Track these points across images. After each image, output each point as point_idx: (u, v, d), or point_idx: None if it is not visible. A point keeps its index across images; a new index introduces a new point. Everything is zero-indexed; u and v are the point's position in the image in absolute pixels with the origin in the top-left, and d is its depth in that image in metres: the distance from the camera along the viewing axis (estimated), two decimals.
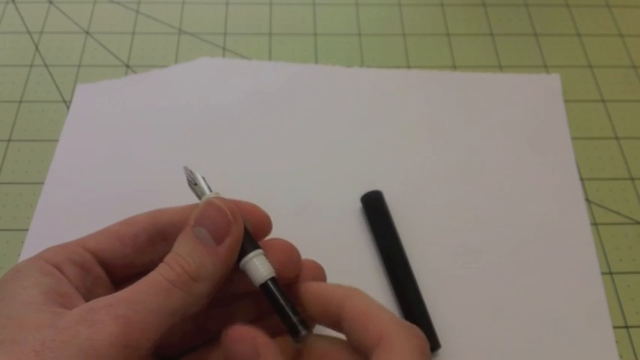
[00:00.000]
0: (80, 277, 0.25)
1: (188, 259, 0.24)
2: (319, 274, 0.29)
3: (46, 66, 0.47)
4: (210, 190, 0.27)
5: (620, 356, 0.35)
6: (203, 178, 0.28)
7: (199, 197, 0.27)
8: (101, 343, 0.21)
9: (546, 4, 0.52)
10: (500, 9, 0.52)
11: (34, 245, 0.38)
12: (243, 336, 0.23)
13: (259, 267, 0.26)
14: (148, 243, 0.27)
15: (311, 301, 0.26)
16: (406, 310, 0.35)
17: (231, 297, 0.29)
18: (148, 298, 0.23)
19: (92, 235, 0.27)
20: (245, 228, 0.26)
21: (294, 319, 0.25)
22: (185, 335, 0.28)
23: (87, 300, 0.24)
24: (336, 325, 0.25)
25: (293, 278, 0.28)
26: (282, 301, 0.26)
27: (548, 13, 0.52)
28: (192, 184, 0.28)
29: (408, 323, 0.24)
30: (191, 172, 0.28)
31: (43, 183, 0.40)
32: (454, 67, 0.48)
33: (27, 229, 0.38)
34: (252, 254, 0.26)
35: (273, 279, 0.26)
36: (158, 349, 0.28)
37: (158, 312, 0.23)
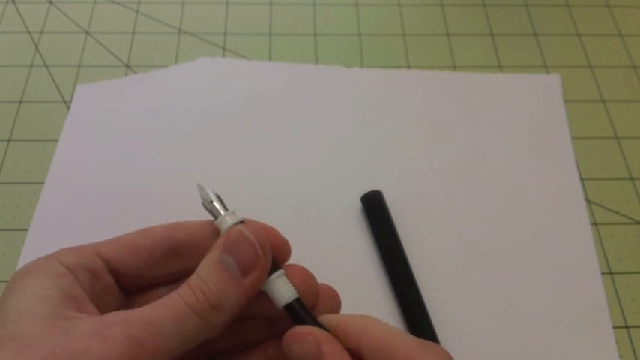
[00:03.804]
0: (90, 282, 0.25)
1: (211, 287, 0.24)
2: (334, 300, 0.28)
3: (46, 66, 0.47)
4: (226, 209, 0.26)
5: (620, 356, 0.35)
6: (218, 196, 0.27)
7: (215, 216, 0.26)
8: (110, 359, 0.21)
9: (546, 4, 0.52)
10: (500, 9, 0.52)
11: (34, 245, 0.38)
12: (306, 335, 0.23)
13: (282, 288, 0.25)
14: (161, 257, 0.27)
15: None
16: (406, 310, 0.35)
17: (244, 317, 0.28)
18: (164, 321, 0.23)
19: (106, 242, 0.27)
20: None
21: None
22: (193, 352, 0.28)
23: (95, 306, 0.24)
24: (356, 356, 0.24)
25: (311, 305, 0.27)
26: (310, 323, 0.25)
27: (548, 13, 0.52)
28: (208, 202, 0.27)
29: (429, 344, 0.23)
30: (206, 191, 0.27)
31: (43, 183, 0.40)
32: (454, 67, 0.48)
33: (27, 229, 0.38)
34: (274, 275, 0.25)
35: (298, 299, 0.25)
36: None
37: (172, 336, 0.23)
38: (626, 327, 0.36)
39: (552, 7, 0.52)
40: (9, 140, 0.43)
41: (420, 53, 0.49)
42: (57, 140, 0.42)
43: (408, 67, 0.48)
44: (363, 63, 0.48)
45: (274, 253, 0.26)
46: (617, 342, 0.36)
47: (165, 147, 0.42)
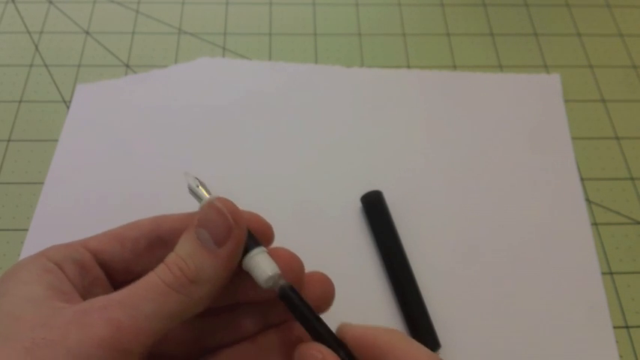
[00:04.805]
0: (79, 275, 0.25)
1: (188, 262, 0.24)
2: (327, 287, 0.28)
3: (46, 66, 0.47)
4: (210, 194, 0.27)
5: (620, 356, 0.35)
6: (203, 183, 0.27)
7: (199, 201, 0.27)
8: (90, 345, 0.21)
9: (546, 4, 0.52)
10: (500, 9, 0.52)
11: (34, 245, 0.38)
12: (313, 353, 0.24)
13: (262, 264, 0.25)
14: (147, 248, 0.27)
15: (352, 346, 0.25)
16: (406, 310, 0.35)
17: (234, 306, 0.28)
18: (142, 302, 0.23)
19: (95, 236, 0.27)
20: (248, 230, 0.26)
21: (321, 329, 0.24)
22: (186, 346, 0.28)
23: (84, 299, 0.24)
24: None
25: (297, 287, 0.27)
26: (303, 309, 0.25)
27: (548, 13, 0.52)
28: (194, 187, 0.27)
29: None
30: (191, 177, 0.28)
31: (43, 183, 0.40)
32: (454, 67, 0.48)
33: (27, 229, 0.38)
34: (253, 252, 0.25)
35: (292, 287, 0.25)
36: (156, 358, 0.28)
37: (153, 316, 0.23)
38: (626, 327, 0.36)
39: (552, 7, 0.52)
40: (9, 140, 0.43)
41: (420, 53, 0.49)
42: (57, 140, 0.42)
43: (408, 67, 0.48)
44: (363, 63, 0.48)
45: (258, 237, 0.26)
46: (617, 342, 0.36)
47: (165, 147, 0.42)
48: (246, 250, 0.26)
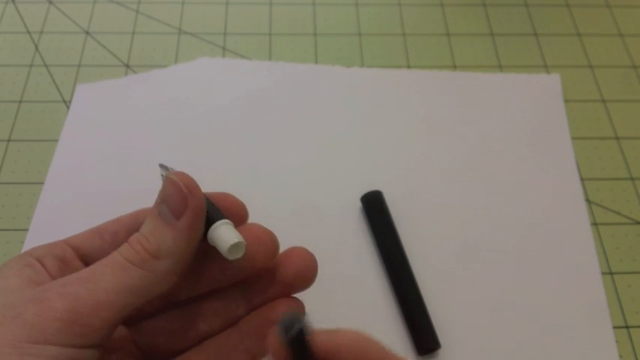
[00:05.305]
0: (59, 269, 0.26)
1: (149, 238, 0.24)
2: (308, 263, 0.28)
3: (46, 66, 0.47)
4: None
5: (620, 356, 0.35)
6: (172, 170, 0.28)
7: None
8: (48, 318, 0.22)
9: (546, 4, 0.52)
10: (500, 9, 0.52)
11: (33, 245, 0.38)
12: None
13: (223, 235, 0.25)
14: (126, 240, 0.27)
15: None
16: (406, 310, 0.35)
17: (218, 291, 0.28)
18: (102, 277, 0.23)
19: (77, 234, 0.28)
20: (213, 205, 0.26)
21: None
22: (176, 337, 0.28)
23: None
24: None
25: (267, 263, 0.27)
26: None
27: (548, 13, 0.52)
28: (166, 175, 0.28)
29: None
30: (164, 167, 0.28)
31: (43, 183, 0.40)
32: (454, 67, 0.48)
33: (27, 229, 0.38)
34: (216, 224, 0.25)
35: (302, 332, 0.22)
36: (147, 353, 0.28)
37: (113, 291, 0.23)
38: (626, 327, 0.36)
39: (552, 7, 0.52)
40: (9, 140, 0.43)
41: (420, 53, 0.49)
42: (57, 140, 0.42)
43: (408, 67, 0.48)
44: (363, 63, 0.48)
45: (231, 217, 0.26)
46: (617, 342, 0.36)
47: (165, 147, 0.42)
48: (209, 225, 0.25)
